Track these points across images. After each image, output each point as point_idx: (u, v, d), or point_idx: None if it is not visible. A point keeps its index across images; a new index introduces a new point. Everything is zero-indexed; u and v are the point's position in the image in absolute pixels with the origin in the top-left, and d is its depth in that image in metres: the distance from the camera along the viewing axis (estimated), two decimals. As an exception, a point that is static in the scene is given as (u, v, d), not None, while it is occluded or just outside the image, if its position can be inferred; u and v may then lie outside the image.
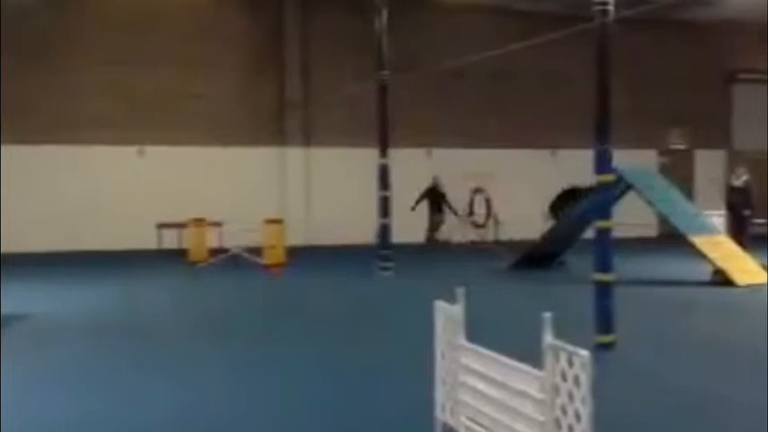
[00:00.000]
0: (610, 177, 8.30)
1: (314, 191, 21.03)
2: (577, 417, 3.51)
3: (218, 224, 17.66)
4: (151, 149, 20.02)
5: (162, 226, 19.57)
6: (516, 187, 21.44)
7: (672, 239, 15.13)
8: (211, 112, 20.16)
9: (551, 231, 15.19)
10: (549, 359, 3.68)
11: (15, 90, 18.36)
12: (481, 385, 4.29)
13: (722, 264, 12.82)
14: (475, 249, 19.14)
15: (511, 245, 18.25)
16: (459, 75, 19.78)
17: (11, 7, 18.42)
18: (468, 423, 4.46)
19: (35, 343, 8.68)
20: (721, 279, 12.70)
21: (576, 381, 3.50)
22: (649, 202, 13.78)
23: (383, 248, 14.51)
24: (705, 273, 13.13)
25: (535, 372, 3.82)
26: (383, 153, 14.62)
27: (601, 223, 8.08)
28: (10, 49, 18.40)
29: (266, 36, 20.88)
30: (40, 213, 18.82)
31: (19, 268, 15.05)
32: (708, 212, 14.85)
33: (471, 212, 21.15)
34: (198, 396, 6.38)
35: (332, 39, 20.89)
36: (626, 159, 12.68)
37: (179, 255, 17.29)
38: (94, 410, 5.95)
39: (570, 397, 3.55)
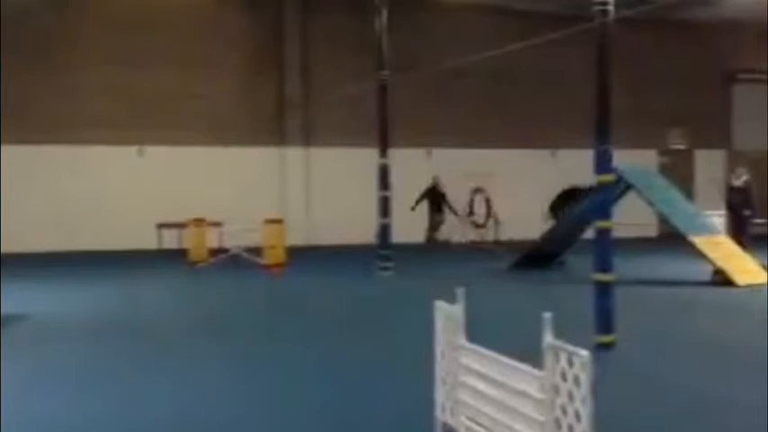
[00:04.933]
0: (610, 177, 8.30)
1: (314, 191, 21.03)
2: (577, 417, 3.51)
3: (218, 224, 17.64)
4: (151, 149, 20.02)
5: (162, 226, 19.58)
6: (516, 187, 21.43)
7: (672, 239, 15.13)
8: (211, 112, 20.16)
9: (551, 231, 15.19)
10: (549, 359, 3.68)
11: (15, 90, 18.36)
12: (481, 385, 4.29)
13: (722, 264, 12.81)
14: (475, 249, 19.14)
15: (511, 245, 18.24)
16: (460, 75, 19.78)
17: (11, 7, 18.41)
18: (468, 423, 4.45)
19: (35, 343, 8.68)
20: (721, 279, 12.69)
21: (576, 381, 3.50)
22: (649, 202, 13.78)
23: (383, 248, 14.51)
24: (705, 273, 13.12)
25: (535, 372, 3.82)
26: (383, 153, 14.61)
27: (601, 223, 8.08)
28: (10, 49, 18.40)
29: (266, 36, 20.88)
30: (40, 213, 18.82)
31: (19, 268, 15.05)
32: (708, 212, 14.83)
33: (471, 212, 21.14)
34: (198, 396, 6.38)
35: (332, 39, 20.89)
36: (626, 159, 12.69)
37: (179, 255, 17.28)
38: (94, 410, 5.95)
39: (570, 397, 3.55)
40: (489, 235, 20.91)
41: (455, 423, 4.61)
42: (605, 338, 7.82)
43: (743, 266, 12.97)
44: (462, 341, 4.54)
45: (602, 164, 8.04)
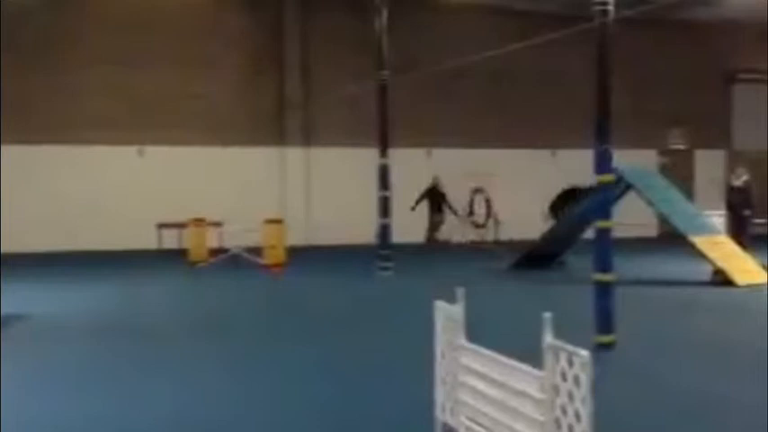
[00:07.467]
0: (610, 177, 8.29)
1: (314, 191, 21.03)
2: (577, 417, 3.51)
3: (218, 224, 17.65)
4: (151, 149, 20.02)
5: (162, 226, 19.57)
6: (516, 187, 21.43)
7: (672, 239, 15.13)
8: (211, 112, 20.16)
9: (551, 231, 15.19)
10: (549, 359, 3.68)
11: (15, 90, 18.36)
12: (481, 385, 4.29)
13: (722, 264, 12.81)
14: (475, 249, 19.14)
15: (511, 245, 18.25)
16: (459, 75, 19.77)
17: (11, 7, 18.40)
18: (468, 423, 4.45)
19: (35, 343, 8.68)
20: (721, 279, 12.70)
21: (576, 381, 3.50)
22: (649, 202, 13.79)
23: (383, 248, 14.51)
24: (705, 273, 13.12)
25: (535, 372, 3.82)
26: (383, 153, 14.62)
27: (601, 223, 8.08)
28: (10, 48, 18.38)
29: (266, 36, 20.88)
30: (40, 213, 18.81)
31: (19, 268, 15.03)
32: (708, 212, 14.84)
33: (471, 212, 21.15)
34: (198, 396, 6.38)
35: (332, 39, 20.89)
36: (626, 159, 12.69)
37: (179, 255, 17.27)
38: (94, 410, 5.95)
39: (570, 397, 3.55)
40: (489, 235, 20.91)
41: (455, 423, 4.60)
42: (605, 338, 7.83)
43: (743, 266, 12.97)
44: (462, 341, 4.53)
45: (602, 164, 8.05)
